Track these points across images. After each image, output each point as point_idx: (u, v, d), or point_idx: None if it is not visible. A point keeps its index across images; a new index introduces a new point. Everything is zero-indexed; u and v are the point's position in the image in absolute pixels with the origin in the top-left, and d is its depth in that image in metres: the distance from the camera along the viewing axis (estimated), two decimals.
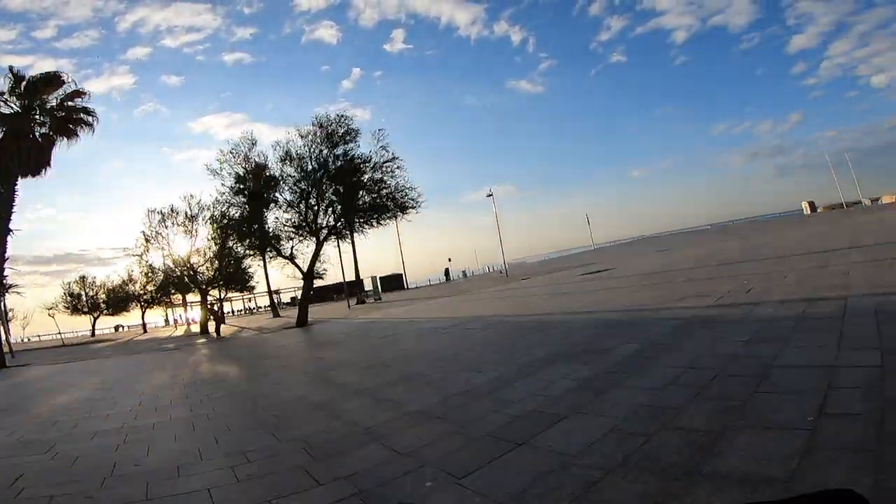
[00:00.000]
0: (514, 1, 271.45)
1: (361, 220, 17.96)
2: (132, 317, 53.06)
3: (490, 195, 37.24)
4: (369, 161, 17.51)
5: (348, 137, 17.59)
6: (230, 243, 20.26)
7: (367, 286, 61.36)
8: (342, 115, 17.60)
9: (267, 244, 17.73)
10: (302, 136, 17.50)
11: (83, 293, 49.75)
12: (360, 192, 17.67)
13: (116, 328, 65.73)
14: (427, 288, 43.42)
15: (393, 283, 55.37)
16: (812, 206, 64.56)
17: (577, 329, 6.10)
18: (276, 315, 32.05)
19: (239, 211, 17.95)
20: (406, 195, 17.70)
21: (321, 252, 17.50)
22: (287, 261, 17.70)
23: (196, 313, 65.66)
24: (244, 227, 17.78)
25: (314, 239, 17.47)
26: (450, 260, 54.23)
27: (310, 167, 17.30)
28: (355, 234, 19.22)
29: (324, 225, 17.59)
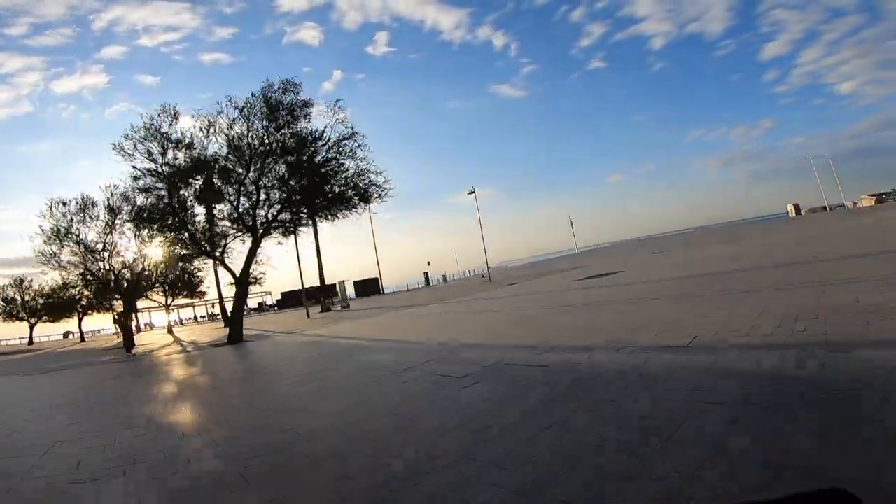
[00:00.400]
0: (497, 6, 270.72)
1: (313, 212, 14.34)
2: (92, 322, 47.57)
3: (472, 192, 34.09)
4: (322, 138, 13.94)
5: (297, 110, 13.97)
6: (154, 239, 16.29)
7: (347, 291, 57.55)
8: (288, 82, 13.96)
9: (193, 241, 13.94)
10: (238, 108, 13.79)
11: (18, 297, 44.60)
12: (312, 177, 14.08)
13: (65, 335, 60.10)
14: (404, 294, 39.90)
15: (368, 287, 51.51)
16: (797, 208, 63.95)
17: (704, 407, 2.70)
18: (228, 325, 27.95)
19: (157, 200, 14.09)
20: (369, 181, 14.19)
21: (258, 251, 13.82)
22: (217, 262, 13.96)
23: (151, 319, 59.90)
24: (167, 218, 13.92)
25: (252, 235, 13.79)
26: (429, 263, 50.85)
27: (245, 145, 13.62)
28: (301, 230, 15.55)
29: (264, 218, 13.92)
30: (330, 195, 14.03)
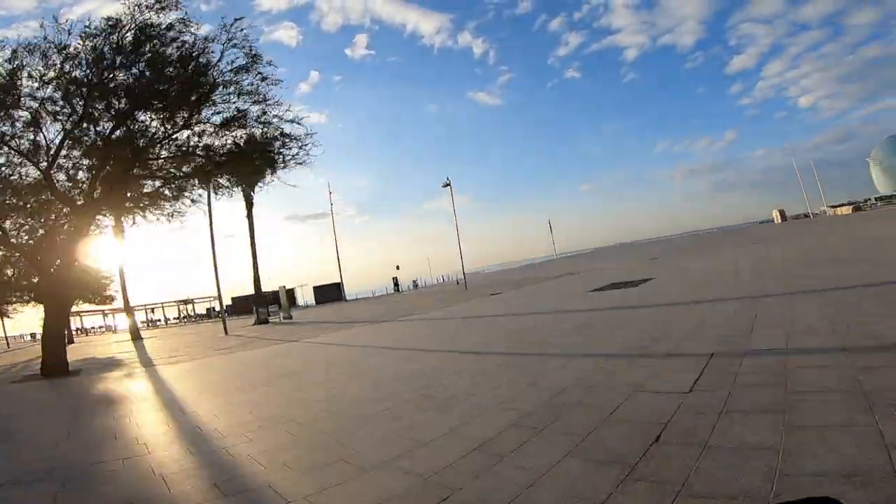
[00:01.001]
0: (479, 13, 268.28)
1: (177, 181, 8.98)
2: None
3: (447, 185, 29.28)
4: (203, 68, 8.65)
5: (170, 32, 8.65)
6: None
7: (303, 297, 51.30)
8: None
9: None
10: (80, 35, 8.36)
11: None
12: (186, 125, 8.77)
13: None
14: (368, 302, 34.55)
15: (329, 293, 45.71)
16: (783, 215, 62.74)
17: None
18: (137, 338, 21.80)
19: None
20: (281, 133, 8.98)
21: (84, 237, 8.37)
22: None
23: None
24: None
25: (71, 209, 8.31)
26: (398, 268, 45.30)
27: (83, 81, 8.22)
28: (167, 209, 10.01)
29: (88, 183, 8.46)
30: (211, 155, 8.74)
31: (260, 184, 23.69)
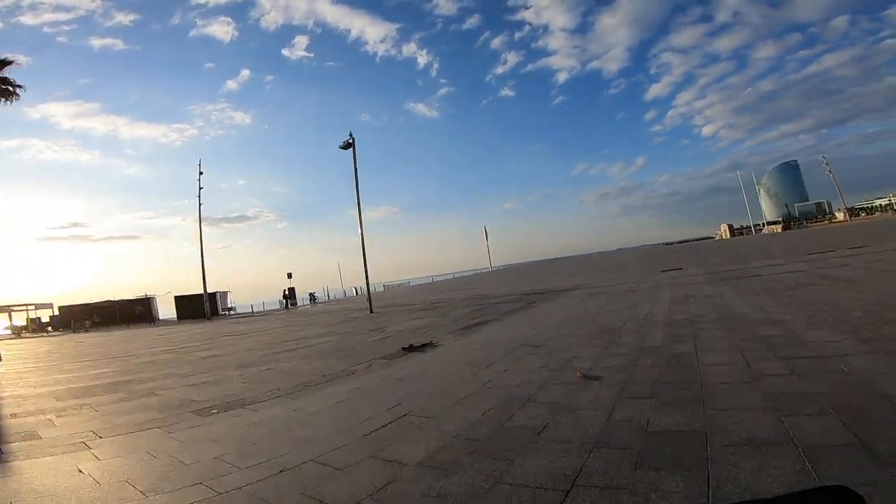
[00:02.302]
0: (427, 24, 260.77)
1: None
2: None
3: (350, 144, 18.91)
4: None
5: None
6: None
7: (162, 310, 37.48)
8: None
9: None
10: None
11: None
12: None
13: None
14: (233, 323, 22.84)
15: (197, 307, 32.50)
16: (731, 229, 61.18)
17: None
18: None
19: None
20: None
21: None
22: None
23: None
24: None
25: None
26: (290, 276, 32.99)
27: None
28: None
29: None
30: None
31: None
